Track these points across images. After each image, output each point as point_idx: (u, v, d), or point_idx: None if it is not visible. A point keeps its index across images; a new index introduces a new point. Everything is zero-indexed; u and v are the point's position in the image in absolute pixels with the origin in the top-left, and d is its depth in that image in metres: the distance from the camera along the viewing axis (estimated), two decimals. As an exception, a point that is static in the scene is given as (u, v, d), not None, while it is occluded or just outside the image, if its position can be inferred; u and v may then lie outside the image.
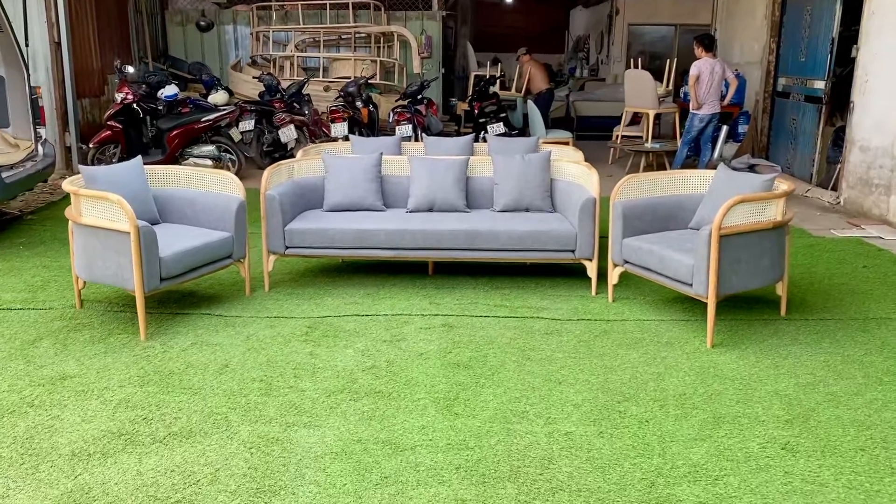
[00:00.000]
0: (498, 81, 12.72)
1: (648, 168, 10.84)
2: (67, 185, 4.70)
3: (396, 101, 11.17)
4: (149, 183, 5.20)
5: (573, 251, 5.30)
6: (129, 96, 9.33)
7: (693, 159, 10.11)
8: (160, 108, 9.98)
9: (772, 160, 10.86)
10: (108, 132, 9.40)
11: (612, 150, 11.44)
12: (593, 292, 5.36)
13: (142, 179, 5.10)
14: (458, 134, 13.17)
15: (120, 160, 9.62)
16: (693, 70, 9.46)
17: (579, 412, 3.65)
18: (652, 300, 5.22)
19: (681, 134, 10.05)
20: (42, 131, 7.40)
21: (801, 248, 6.61)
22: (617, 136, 11.37)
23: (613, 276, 5.16)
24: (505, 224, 5.34)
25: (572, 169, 5.70)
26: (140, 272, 4.36)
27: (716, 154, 11.30)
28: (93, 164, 9.60)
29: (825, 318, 4.88)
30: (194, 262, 4.78)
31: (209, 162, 9.43)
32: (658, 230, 5.12)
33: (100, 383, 3.92)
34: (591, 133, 15.03)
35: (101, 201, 4.45)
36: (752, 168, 10.75)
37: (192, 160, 9.44)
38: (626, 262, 5.02)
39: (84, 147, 9.64)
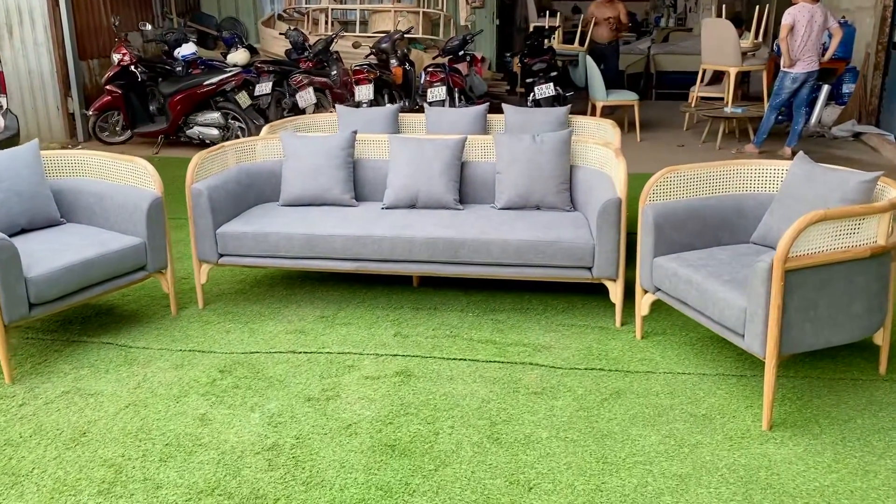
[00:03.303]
0: (557, 33, 11.14)
1: (729, 137, 9.16)
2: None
3: (434, 57, 9.81)
4: (45, 173, 4.13)
5: (590, 268, 3.94)
6: (126, 57, 8.34)
7: (785, 126, 8.38)
8: (177, 69, 8.99)
9: (883, 127, 8.99)
10: (108, 98, 8.48)
11: (685, 115, 9.78)
12: (618, 323, 4.00)
13: (33, 170, 4.02)
14: (512, 94, 11.71)
15: (123, 129, 8.73)
16: (786, 18, 7.70)
17: (540, 557, 2.38)
18: (694, 340, 3.82)
19: (769, 97, 8.33)
20: (3, 100, 6.47)
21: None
22: (693, 97, 9.69)
23: (643, 305, 3.78)
24: (500, 230, 4.02)
25: (600, 154, 4.29)
26: (-11, 300, 3.31)
27: (813, 119, 9.53)
28: (94, 133, 8.74)
29: (947, 380, 3.39)
30: (84, 280, 3.69)
31: (215, 131, 8.39)
32: (707, 245, 3.70)
33: None
34: (673, 91, 13.26)
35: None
36: (857, 137, 8.96)
37: (196, 129, 8.42)
38: (658, 289, 3.64)
39: (87, 114, 8.75)
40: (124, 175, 4.13)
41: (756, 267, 2.92)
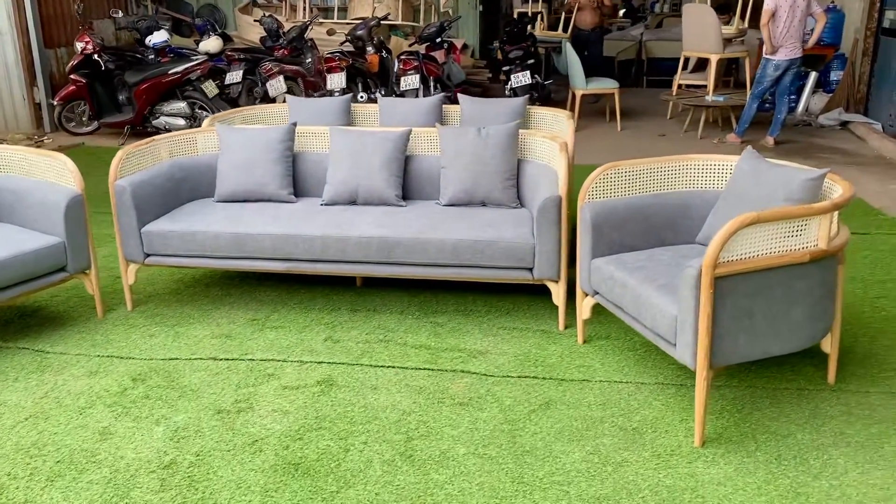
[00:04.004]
0: (541, 20, 10.89)
1: (713, 126, 8.92)
2: None
3: (411, 45, 9.57)
4: (-38, 170, 3.94)
5: (531, 269, 3.73)
6: (89, 46, 8.13)
7: (772, 115, 8.12)
8: (149, 57, 8.78)
9: (871, 115, 8.73)
10: (73, 87, 8.27)
11: (669, 103, 9.53)
12: (561, 327, 3.80)
13: (-54, 166, 3.84)
14: (496, 83, 11.46)
15: (90, 119, 8.54)
16: (768, 3, 7.44)
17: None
18: (637, 345, 3.62)
19: (752, 85, 8.08)
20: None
21: (885, 252, 4.77)
22: (677, 85, 9.43)
23: (584, 309, 3.58)
24: (439, 228, 3.81)
25: (547, 147, 4.08)
26: None
27: (800, 107, 9.27)
28: (59, 123, 8.55)
29: (900, 390, 3.18)
30: (-6, 283, 3.51)
31: (181, 122, 8.18)
32: (650, 246, 3.49)
33: None
34: (665, 79, 12.95)
35: None
36: (844, 126, 8.70)
37: (162, 119, 8.21)
38: (597, 292, 3.43)
39: (53, 103, 8.55)
40: (44, 171, 3.94)
41: (684, 273, 2.71)
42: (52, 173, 3.90)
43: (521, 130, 4.23)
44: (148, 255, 4.01)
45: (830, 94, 9.27)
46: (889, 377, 3.26)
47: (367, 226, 3.86)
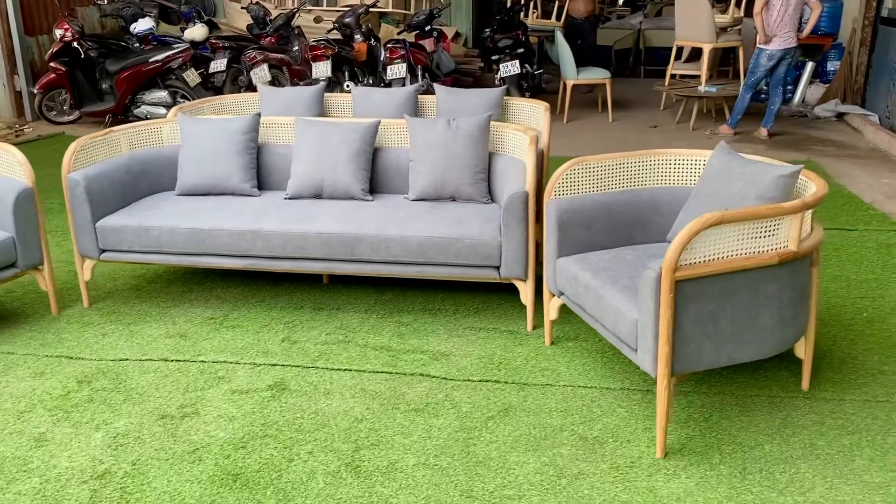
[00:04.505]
0: (533, 7, 10.69)
1: (707, 117, 8.74)
2: None
3: (399, 33, 9.40)
4: None
5: (498, 268, 3.59)
6: (68, 33, 7.97)
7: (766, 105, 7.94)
8: (134, 45, 8.63)
9: (868, 107, 8.54)
10: (53, 75, 8.13)
11: (663, 94, 9.33)
12: (529, 327, 3.66)
13: None
14: (489, 72, 11.26)
15: (71, 108, 8.39)
16: (761, -9, 7.24)
17: None
18: (605, 348, 3.47)
19: (745, 75, 7.89)
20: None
21: (871, 250, 4.61)
22: (670, 75, 9.23)
23: (551, 309, 3.43)
24: (403, 224, 3.67)
25: (519, 140, 3.92)
26: None
27: (797, 98, 9.08)
28: (40, 112, 8.41)
29: (888, 400, 3.02)
30: (-62, 280, 3.37)
31: (163, 111, 8.03)
32: (619, 244, 3.34)
33: None
34: (663, 69, 12.73)
35: None
36: (840, 117, 8.52)
37: (144, 108, 8.06)
38: (562, 293, 3.29)
39: (34, 92, 8.41)
40: (-5, 163, 3.80)
41: (644, 276, 2.56)
42: (1, 166, 3.76)
43: (493, 123, 4.07)
44: (103, 251, 3.87)
45: (827, 85, 9.07)
46: (865, 383, 3.11)
47: (330, 221, 3.71)
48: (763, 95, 8.33)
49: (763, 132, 7.76)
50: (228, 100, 5.11)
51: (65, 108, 8.46)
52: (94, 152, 3.97)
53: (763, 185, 2.84)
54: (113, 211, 3.93)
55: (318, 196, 4.08)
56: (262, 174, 4.28)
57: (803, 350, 3.00)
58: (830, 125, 8.39)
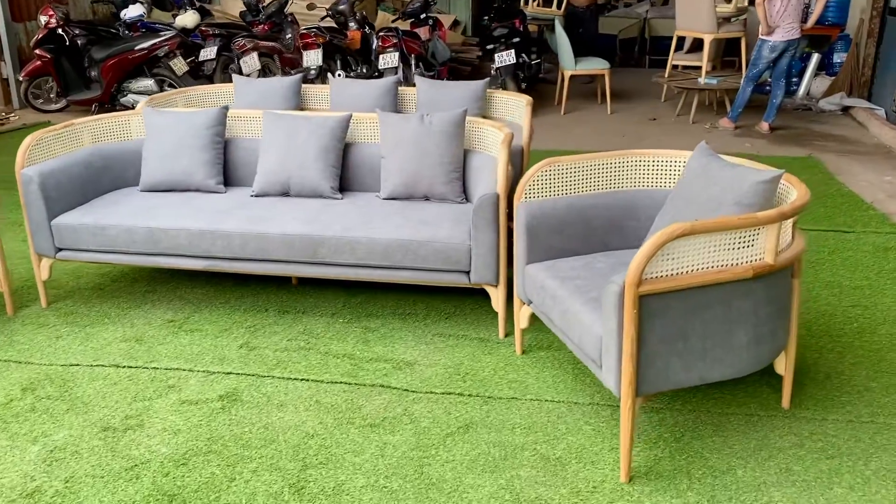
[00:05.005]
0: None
1: (708, 109, 8.50)
2: None
3: (393, 21, 9.19)
4: None
5: (468, 273, 3.41)
6: (52, 20, 7.81)
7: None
8: (124, 32, 8.46)
9: (875, 100, 8.28)
10: (38, 63, 7.98)
11: (663, 86, 9.09)
12: (501, 334, 3.48)
13: None
14: (483, 62, 11.04)
15: (58, 95, 8.24)
16: (764, -20, 6.99)
17: None
18: (575, 359, 3.28)
19: (747, 67, 7.65)
20: None
21: (867, 254, 4.41)
22: (671, 66, 8.99)
23: (521, 318, 3.26)
24: (370, 225, 3.49)
25: (494, 137, 3.73)
26: None
27: (801, 91, 8.82)
28: (26, 99, 8.26)
29: (872, 421, 2.84)
30: None
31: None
32: (592, 250, 3.16)
33: None
34: (668, 58, 12.50)
35: None
36: (845, 111, 8.27)
37: (130, 97, 7.91)
38: (531, 301, 3.11)
39: (20, 79, 8.26)
40: (-53, 158, 3.64)
41: (606, 290, 2.38)
42: (-46, 160, 3.61)
43: (470, 118, 3.89)
44: (59, 250, 3.72)
45: (833, 77, 8.81)
46: (850, 401, 2.93)
47: (293, 221, 3.54)
48: (767, 88, 8.09)
49: (764, 126, 7.53)
50: (202, 91, 4.95)
51: (51, 96, 8.32)
52: (53, 146, 3.82)
53: (741, 190, 2.64)
54: (71, 208, 3.78)
55: (285, 194, 3.91)
56: (230, 169, 4.12)
57: (783, 366, 2.82)
58: (835, 119, 8.15)
